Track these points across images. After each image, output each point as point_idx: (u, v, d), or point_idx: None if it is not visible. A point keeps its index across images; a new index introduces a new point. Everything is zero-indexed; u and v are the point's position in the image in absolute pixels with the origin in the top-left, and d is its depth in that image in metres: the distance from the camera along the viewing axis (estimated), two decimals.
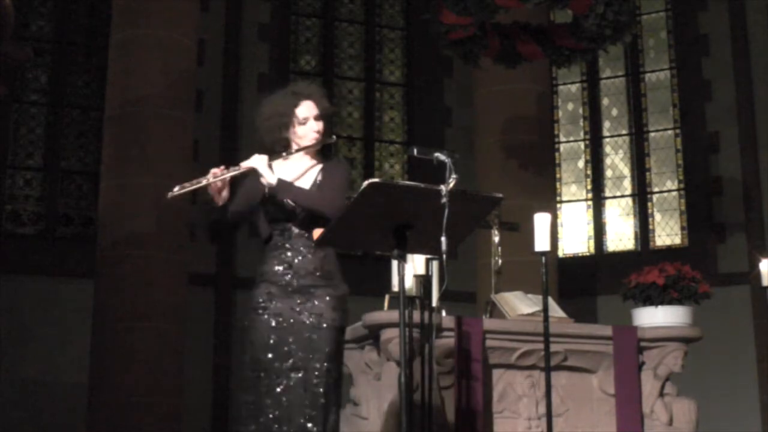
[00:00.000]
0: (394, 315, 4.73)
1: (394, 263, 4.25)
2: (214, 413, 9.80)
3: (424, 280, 4.70)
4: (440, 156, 3.35)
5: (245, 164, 3.78)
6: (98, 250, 7.94)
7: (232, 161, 3.99)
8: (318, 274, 3.77)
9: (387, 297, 5.07)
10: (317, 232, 3.68)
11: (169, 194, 3.74)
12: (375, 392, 5.15)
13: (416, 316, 4.64)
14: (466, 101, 10.54)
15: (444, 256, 3.28)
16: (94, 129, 10.32)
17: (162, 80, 7.98)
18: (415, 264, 4.70)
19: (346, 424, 5.40)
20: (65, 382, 9.03)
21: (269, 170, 3.77)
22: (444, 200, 3.20)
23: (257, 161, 3.78)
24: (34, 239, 10.05)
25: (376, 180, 3.21)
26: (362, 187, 3.18)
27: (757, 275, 5.95)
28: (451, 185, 3.24)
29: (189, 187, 3.71)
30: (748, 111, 10.78)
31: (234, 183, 3.84)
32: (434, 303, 4.66)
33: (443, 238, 3.23)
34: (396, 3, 12.11)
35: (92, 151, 10.30)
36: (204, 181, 3.71)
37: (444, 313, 5.00)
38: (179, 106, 8.09)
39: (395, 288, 4.71)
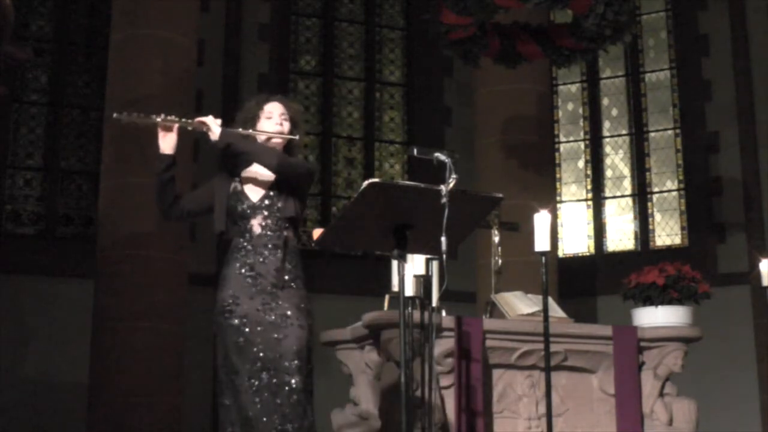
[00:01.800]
0: (394, 315, 4.73)
1: (394, 263, 4.26)
2: (214, 413, 9.79)
3: (424, 280, 4.70)
4: (440, 156, 3.35)
5: (198, 118, 3.84)
6: (98, 250, 7.93)
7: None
8: (280, 274, 3.79)
9: (387, 297, 5.08)
10: (317, 232, 3.69)
11: (115, 115, 3.78)
12: (375, 392, 5.15)
13: (416, 316, 4.64)
14: (466, 101, 10.54)
15: (444, 256, 3.28)
16: (94, 129, 10.32)
17: (162, 80, 7.97)
18: (415, 264, 4.70)
19: (346, 424, 5.41)
20: (65, 382, 9.03)
21: (217, 126, 3.81)
22: (444, 200, 3.21)
23: (210, 119, 3.83)
24: (34, 239, 10.04)
25: (376, 180, 3.22)
26: (362, 187, 3.18)
27: (757, 275, 5.95)
28: (451, 185, 3.24)
29: (136, 118, 3.75)
30: (748, 111, 10.77)
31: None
32: (434, 303, 4.66)
33: (443, 238, 3.23)
34: (396, 3, 12.10)
35: (92, 151, 10.29)
36: (153, 117, 3.77)
37: (444, 313, 5.00)
38: (179, 106, 8.07)
39: (395, 288, 4.71)
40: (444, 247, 3.24)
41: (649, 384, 5.47)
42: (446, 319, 4.98)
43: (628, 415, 5.33)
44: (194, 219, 4.05)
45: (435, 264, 4.72)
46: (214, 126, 3.81)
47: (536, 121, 9.46)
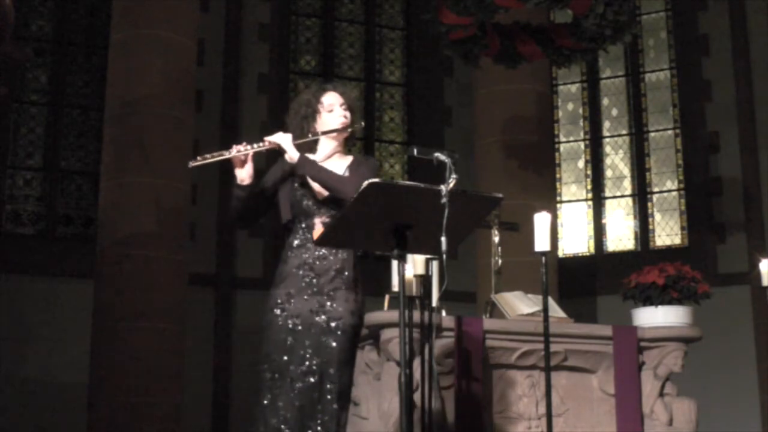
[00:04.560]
0: (394, 315, 4.73)
1: (394, 263, 4.25)
2: (214, 413, 9.80)
3: (424, 280, 4.69)
4: (440, 156, 3.34)
5: (268, 139, 3.77)
6: (98, 250, 7.94)
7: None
8: (339, 275, 3.73)
9: (387, 297, 5.07)
10: (317, 232, 3.67)
11: (191, 164, 3.73)
12: (375, 392, 5.15)
13: (416, 316, 4.64)
14: (466, 101, 10.55)
15: (444, 256, 3.27)
16: (94, 129, 10.32)
17: (162, 80, 7.97)
18: (415, 264, 4.70)
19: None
20: (65, 382, 9.03)
21: (293, 146, 3.76)
22: (444, 200, 3.20)
23: (281, 137, 3.77)
24: (34, 239, 10.04)
25: (376, 180, 3.20)
26: (362, 187, 3.17)
27: (757, 275, 5.95)
28: (451, 185, 3.23)
29: (210, 158, 3.71)
30: (748, 111, 10.78)
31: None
32: (434, 303, 4.66)
33: (443, 238, 3.22)
34: (396, 3, 12.11)
35: (92, 151, 10.30)
36: (226, 154, 3.71)
37: (444, 313, 5.00)
38: (179, 106, 8.09)
39: (395, 288, 4.71)
40: (444, 247, 3.23)
41: (649, 384, 5.47)
42: (446, 319, 4.98)
43: (628, 415, 5.33)
44: (259, 204, 3.90)
45: (435, 264, 4.72)
46: (288, 147, 3.75)
47: (536, 121, 9.45)
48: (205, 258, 9.90)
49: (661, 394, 5.49)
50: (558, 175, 11.74)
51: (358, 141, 11.45)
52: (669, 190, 11.38)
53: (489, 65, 7.43)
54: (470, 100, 10.04)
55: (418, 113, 11.66)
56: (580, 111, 11.96)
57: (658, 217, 11.38)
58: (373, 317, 4.92)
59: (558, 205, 11.47)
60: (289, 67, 11.31)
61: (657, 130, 11.56)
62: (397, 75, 11.91)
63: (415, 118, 11.69)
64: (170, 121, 8.00)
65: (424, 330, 4.58)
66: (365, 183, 3.16)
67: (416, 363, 4.65)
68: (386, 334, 4.89)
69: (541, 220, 4.86)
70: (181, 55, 8.21)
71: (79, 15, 10.78)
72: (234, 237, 10.10)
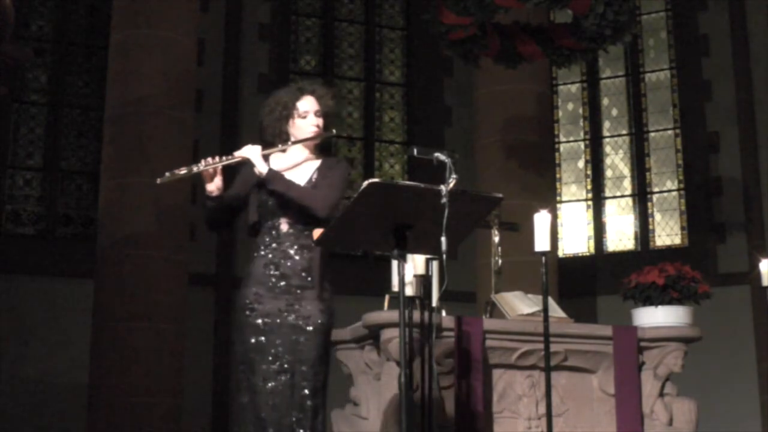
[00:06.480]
0: (394, 315, 4.72)
1: (394, 263, 4.25)
2: (214, 413, 9.80)
3: (424, 280, 4.69)
4: (440, 156, 3.35)
5: (238, 153, 3.80)
6: (98, 250, 7.93)
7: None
8: (305, 275, 3.75)
9: (387, 297, 5.07)
10: (317, 232, 3.67)
11: (159, 180, 3.76)
12: (375, 392, 5.15)
13: (416, 316, 4.64)
14: (466, 101, 10.55)
15: (444, 256, 3.28)
16: (94, 129, 10.32)
17: (162, 80, 7.97)
18: (415, 264, 4.70)
19: (346, 424, 5.41)
20: (65, 382, 9.03)
21: (261, 160, 3.78)
22: (444, 200, 3.20)
23: (249, 151, 3.79)
24: (34, 239, 10.05)
25: (376, 180, 3.21)
26: (362, 187, 3.18)
27: (757, 275, 5.95)
28: (451, 185, 3.24)
29: (179, 173, 3.73)
30: (748, 111, 10.78)
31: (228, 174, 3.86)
32: (434, 303, 4.66)
33: (443, 238, 3.23)
34: (396, 3, 12.11)
35: (92, 151, 10.30)
36: (195, 169, 3.74)
37: (444, 313, 5.00)
38: (179, 106, 8.09)
39: (395, 288, 4.71)
40: (444, 247, 3.23)
41: (649, 384, 5.47)
42: (446, 319, 4.98)
43: (628, 415, 5.33)
44: (235, 206, 3.94)
45: (435, 264, 4.72)
46: (257, 160, 3.77)
47: (536, 121, 9.45)
48: (205, 258, 9.90)
49: (661, 394, 5.49)
50: (558, 175, 11.75)
51: (358, 141, 11.47)
52: (669, 190, 11.38)
53: (489, 65, 7.43)
54: (470, 100, 10.05)
55: (418, 113, 11.66)
56: (580, 111, 11.97)
57: (658, 217, 11.39)
58: (373, 317, 4.92)
59: (558, 205, 11.47)
60: (289, 67, 11.30)
61: (657, 130, 11.56)
62: (397, 75, 11.91)
63: (415, 118, 11.69)
64: (170, 121, 8.00)
65: (424, 330, 4.58)
66: (365, 183, 3.17)
67: (416, 363, 4.65)
68: (386, 334, 4.89)
69: (541, 220, 4.87)
70: (181, 55, 8.20)
71: (79, 15, 10.79)
72: (234, 237, 10.10)
